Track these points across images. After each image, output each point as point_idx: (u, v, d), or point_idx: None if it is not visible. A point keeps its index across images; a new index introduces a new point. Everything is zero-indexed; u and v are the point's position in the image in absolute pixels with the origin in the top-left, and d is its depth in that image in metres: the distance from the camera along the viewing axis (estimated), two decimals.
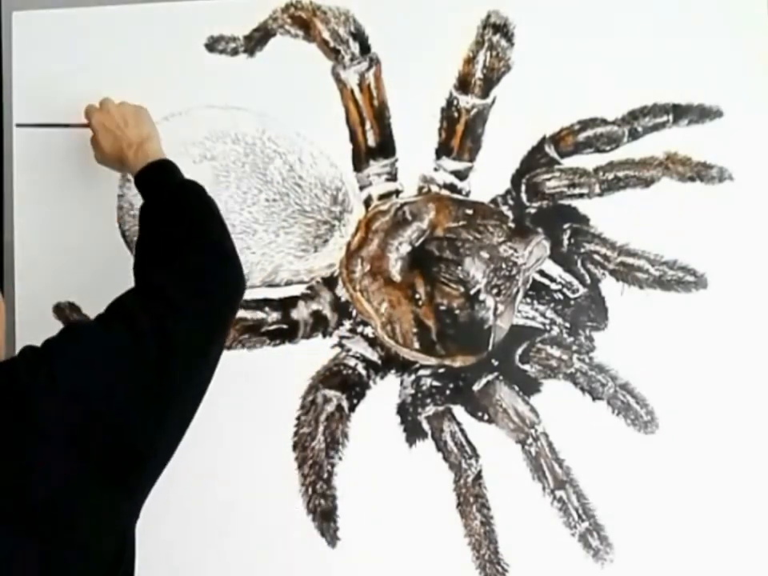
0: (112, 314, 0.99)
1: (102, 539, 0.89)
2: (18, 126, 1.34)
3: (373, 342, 1.34)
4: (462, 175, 1.36)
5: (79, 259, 1.37)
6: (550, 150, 1.35)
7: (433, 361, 1.33)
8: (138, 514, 0.95)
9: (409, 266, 1.35)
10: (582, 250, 1.33)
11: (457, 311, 1.33)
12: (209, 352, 1.01)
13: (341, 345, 1.35)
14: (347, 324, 1.35)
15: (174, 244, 1.07)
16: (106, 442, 0.88)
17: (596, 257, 1.32)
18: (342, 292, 1.35)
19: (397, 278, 1.35)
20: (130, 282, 1.38)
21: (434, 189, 1.36)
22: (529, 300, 1.33)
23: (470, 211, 1.35)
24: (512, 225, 1.34)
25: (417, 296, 1.34)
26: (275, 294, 1.34)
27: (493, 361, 1.32)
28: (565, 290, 1.33)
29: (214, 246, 1.08)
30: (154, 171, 1.16)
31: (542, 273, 1.33)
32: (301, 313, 1.36)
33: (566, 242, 1.33)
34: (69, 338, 0.96)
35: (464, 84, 1.36)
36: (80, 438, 0.87)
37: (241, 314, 1.35)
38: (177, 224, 1.09)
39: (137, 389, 0.92)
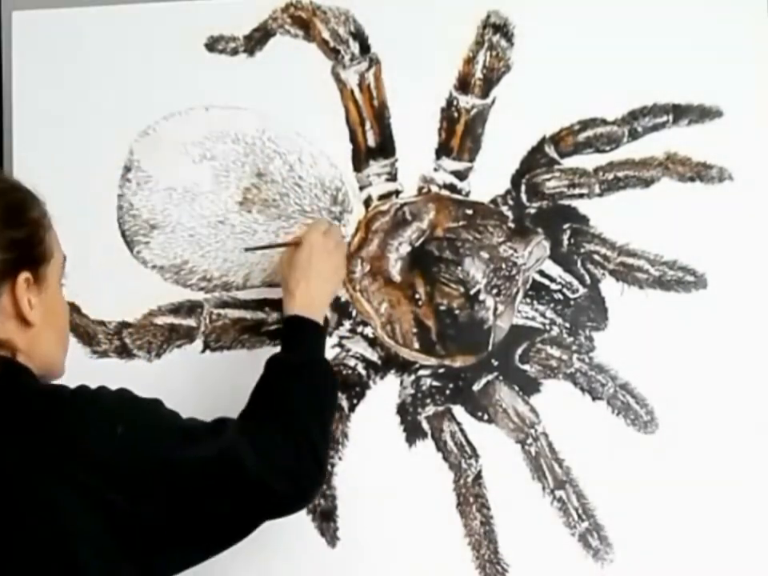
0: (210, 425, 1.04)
1: None
2: (247, 250, 1.34)
3: (373, 342, 1.34)
4: (461, 175, 1.35)
5: (79, 259, 1.37)
6: (550, 150, 1.35)
7: (433, 361, 1.33)
8: None
9: (409, 266, 1.35)
10: (582, 250, 1.33)
11: (457, 311, 1.33)
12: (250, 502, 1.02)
13: (341, 345, 1.35)
14: (347, 324, 1.35)
15: (282, 409, 1.09)
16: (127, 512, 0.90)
17: (596, 257, 1.32)
18: (341, 292, 1.35)
19: (397, 278, 1.35)
20: (130, 282, 1.38)
21: (434, 189, 1.36)
22: (529, 300, 1.33)
23: (469, 211, 1.35)
24: (512, 225, 1.34)
25: (417, 296, 1.34)
26: (275, 294, 1.34)
27: (493, 361, 1.32)
28: (565, 290, 1.33)
29: (312, 436, 1.09)
30: (308, 327, 1.18)
31: (541, 273, 1.33)
32: None
33: (565, 242, 1.33)
34: (145, 404, 0.99)
35: (464, 84, 1.36)
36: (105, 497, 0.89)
37: (241, 313, 1.35)
38: (294, 397, 1.11)
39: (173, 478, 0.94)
